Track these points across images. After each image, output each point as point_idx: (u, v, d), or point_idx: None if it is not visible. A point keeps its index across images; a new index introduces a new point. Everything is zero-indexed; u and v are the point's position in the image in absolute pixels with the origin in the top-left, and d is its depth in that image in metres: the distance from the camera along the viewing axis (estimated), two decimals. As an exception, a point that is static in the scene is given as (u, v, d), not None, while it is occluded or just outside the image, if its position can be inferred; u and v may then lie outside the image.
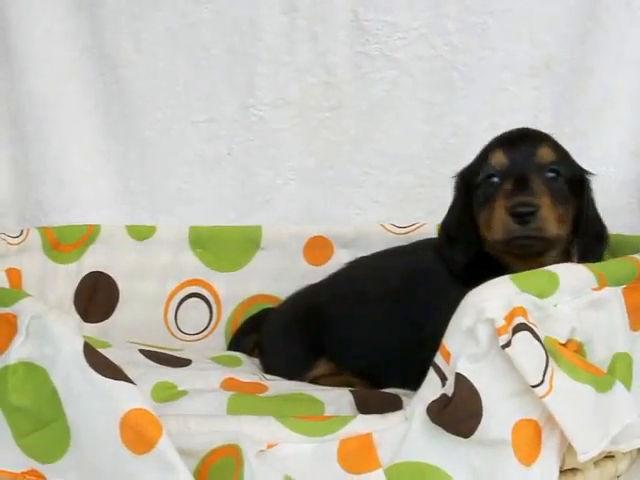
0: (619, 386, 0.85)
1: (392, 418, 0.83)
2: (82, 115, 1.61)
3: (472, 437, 0.79)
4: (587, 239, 1.10)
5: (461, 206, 1.14)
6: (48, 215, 1.59)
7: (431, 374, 0.83)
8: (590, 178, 1.12)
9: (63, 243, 1.52)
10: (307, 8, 1.56)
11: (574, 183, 1.09)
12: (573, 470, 0.90)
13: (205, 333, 1.53)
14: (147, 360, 1.20)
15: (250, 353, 1.38)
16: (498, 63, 1.54)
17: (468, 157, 1.15)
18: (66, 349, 0.82)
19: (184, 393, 1.06)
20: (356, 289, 1.28)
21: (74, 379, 0.81)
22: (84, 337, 0.84)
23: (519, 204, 1.02)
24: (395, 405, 0.99)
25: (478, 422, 0.79)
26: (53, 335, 0.83)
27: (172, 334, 1.53)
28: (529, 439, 0.80)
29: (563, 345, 0.83)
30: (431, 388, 0.82)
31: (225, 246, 1.55)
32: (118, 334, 1.47)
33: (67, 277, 1.51)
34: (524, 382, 0.77)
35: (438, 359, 0.82)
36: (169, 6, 1.58)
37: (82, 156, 1.61)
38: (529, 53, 1.53)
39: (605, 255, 1.25)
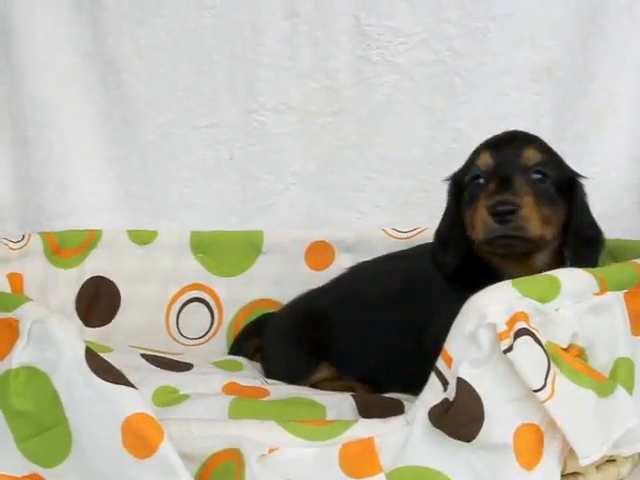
0: (621, 391, 0.85)
1: (394, 422, 0.83)
2: (84, 120, 1.61)
3: (474, 441, 0.79)
4: (578, 243, 1.09)
5: (453, 209, 1.15)
6: (50, 220, 1.59)
7: (433, 379, 0.83)
8: (583, 182, 1.12)
9: (64, 248, 1.52)
10: (308, 13, 1.57)
11: (563, 186, 1.09)
12: (575, 474, 0.90)
13: (206, 337, 1.53)
14: (148, 364, 1.20)
15: (251, 357, 1.38)
16: (499, 68, 1.54)
17: (469, 162, 1.15)
18: (68, 354, 0.82)
19: (186, 397, 1.05)
20: (357, 294, 1.28)
21: (76, 383, 0.81)
22: (85, 342, 0.84)
23: (499, 203, 1.02)
24: (397, 409, 0.98)
25: (480, 426, 0.79)
26: (55, 340, 0.83)
27: (173, 338, 1.53)
28: (531, 443, 0.80)
29: (565, 350, 0.83)
30: (433, 393, 0.82)
31: (226, 251, 1.55)
32: (119, 338, 1.48)
33: (68, 282, 1.51)
34: (526, 387, 0.77)
35: (440, 364, 0.82)
36: (171, 11, 1.59)
37: (84, 161, 1.61)
38: (530, 58, 1.53)
39: (606, 260, 1.25)
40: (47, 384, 0.83)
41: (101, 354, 0.84)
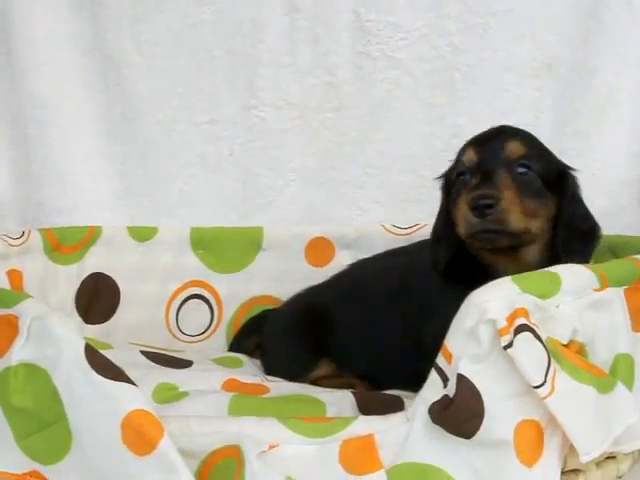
0: (621, 387, 0.84)
1: (394, 419, 0.83)
2: (84, 117, 1.61)
3: (474, 438, 0.79)
4: (570, 236, 1.08)
5: (444, 206, 1.15)
6: (49, 216, 1.59)
7: (433, 375, 0.83)
8: (576, 175, 1.11)
9: (64, 244, 1.52)
10: (308, 9, 1.57)
11: (552, 178, 1.08)
12: (575, 471, 0.90)
13: (206, 334, 1.53)
14: (148, 361, 1.20)
15: (251, 354, 1.38)
16: (500, 64, 1.54)
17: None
18: (68, 350, 0.82)
19: (185, 394, 1.05)
20: (357, 290, 1.28)
21: (75, 380, 0.81)
22: (85, 338, 0.84)
23: (477, 197, 1.01)
24: (397, 406, 0.98)
25: (480, 423, 0.78)
26: (55, 336, 0.83)
27: (173, 335, 1.53)
28: (531, 440, 0.80)
29: (565, 346, 0.83)
30: (433, 389, 0.82)
31: (226, 247, 1.55)
32: (119, 335, 1.48)
33: (68, 278, 1.51)
34: (526, 383, 0.77)
35: (440, 360, 0.82)
36: (171, 7, 1.58)
37: (84, 157, 1.61)
38: (531, 54, 1.53)
39: (606, 256, 1.25)
40: (47, 381, 0.83)
41: (101, 351, 0.84)
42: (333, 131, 1.59)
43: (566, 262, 0.95)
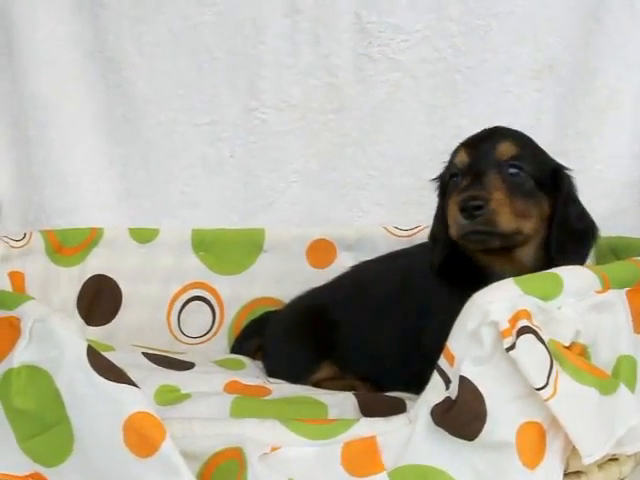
0: (623, 389, 0.84)
1: (396, 421, 0.83)
2: (85, 118, 1.61)
3: (476, 440, 0.79)
4: (564, 236, 1.07)
5: (439, 208, 1.15)
6: (51, 218, 1.59)
7: (435, 377, 0.83)
8: (570, 174, 1.11)
9: (66, 246, 1.52)
10: (309, 10, 1.57)
11: (545, 178, 1.08)
12: (577, 473, 0.90)
13: (208, 336, 1.53)
14: (150, 363, 1.20)
15: (253, 356, 1.38)
16: (501, 65, 1.54)
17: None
18: (70, 352, 0.82)
19: (187, 396, 1.05)
20: (359, 292, 1.28)
21: (77, 382, 0.81)
22: (87, 340, 0.84)
23: (466, 198, 1.01)
24: (399, 408, 0.98)
25: (482, 425, 0.78)
26: (57, 338, 0.83)
27: (175, 337, 1.53)
28: (533, 442, 0.80)
29: (567, 348, 0.83)
30: (435, 391, 0.82)
31: (228, 249, 1.55)
32: (121, 337, 1.48)
33: (70, 280, 1.51)
34: (528, 385, 0.77)
35: (442, 362, 0.82)
36: (172, 9, 1.58)
37: (85, 159, 1.61)
38: (532, 55, 1.53)
39: (608, 257, 1.25)
40: (49, 383, 0.83)
41: (103, 353, 0.84)
42: (334, 133, 1.60)
43: (560, 263, 0.95)
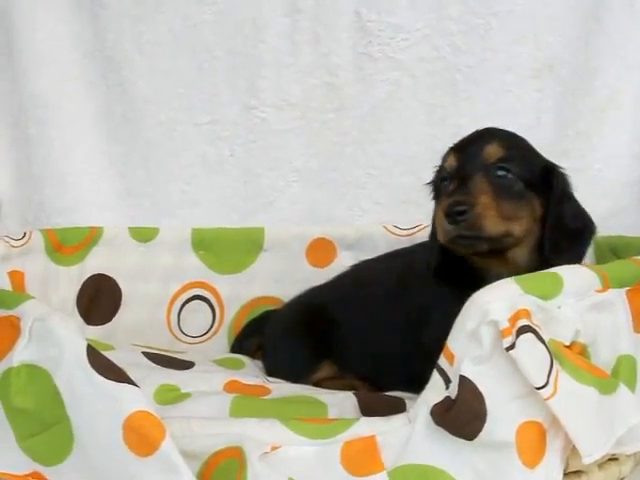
0: (623, 388, 0.84)
1: (396, 421, 0.83)
2: (85, 117, 1.61)
3: (476, 439, 0.79)
4: (559, 236, 1.07)
5: (436, 211, 1.15)
6: (50, 217, 1.59)
7: (435, 376, 0.83)
8: (564, 173, 1.11)
9: (66, 245, 1.52)
10: (310, 10, 1.57)
11: (535, 179, 1.08)
12: (577, 472, 0.90)
13: (208, 335, 1.53)
14: (150, 362, 1.20)
15: (253, 355, 1.38)
16: (501, 65, 1.54)
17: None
18: (69, 351, 0.82)
19: (187, 395, 1.05)
20: (359, 292, 1.28)
21: (77, 381, 0.81)
22: (87, 339, 0.84)
23: (451, 204, 1.01)
24: (399, 408, 0.98)
25: (482, 424, 0.78)
26: (56, 337, 0.83)
27: (175, 336, 1.53)
28: (533, 441, 0.80)
29: (567, 347, 0.83)
30: (435, 390, 0.82)
31: (228, 248, 1.55)
32: (121, 336, 1.47)
33: (70, 279, 1.51)
34: (528, 384, 0.77)
35: (442, 361, 0.82)
36: (172, 8, 1.58)
37: (85, 158, 1.61)
38: (532, 55, 1.53)
39: (608, 257, 1.25)
40: (48, 382, 0.83)
41: (102, 352, 0.84)
42: (334, 132, 1.60)
43: (555, 262, 0.95)
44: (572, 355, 0.82)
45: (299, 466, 0.80)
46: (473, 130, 1.14)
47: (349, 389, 1.13)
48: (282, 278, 1.52)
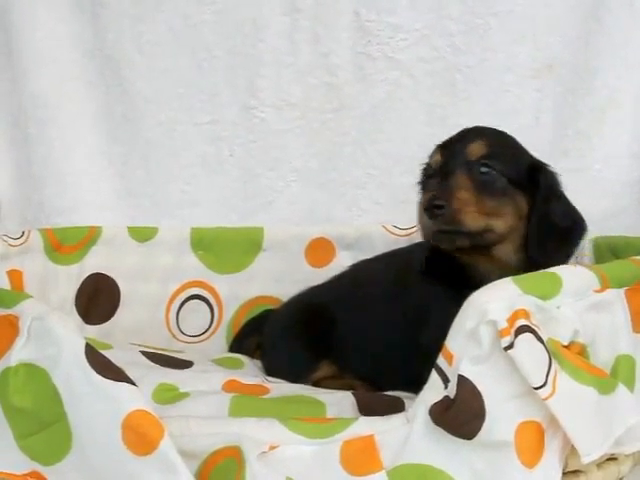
0: (622, 388, 0.84)
1: (394, 420, 0.83)
2: (84, 117, 1.61)
3: (475, 439, 0.79)
4: (543, 235, 1.07)
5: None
6: (50, 217, 1.59)
7: (433, 376, 0.82)
8: (552, 171, 1.11)
9: (65, 245, 1.52)
10: (309, 9, 1.57)
11: (521, 177, 1.08)
12: (576, 472, 0.90)
13: (207, 335, 1.53)
14: (148, 362, 1.20)
15: (252, 355, 1.38)
16: (500, 65, 1.54)
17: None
18: (68, 350, 0.82)
19: (186, 395, 1.05)
20: (358, 291, 1.28)
21: (76, 380, 0.81)
22: (86, 338, 0.84)
23: (429, 198, 1.02)
24: (397, 407, 0.98)
25: (481, 424, 0.78)
26: (55, 336, 0.83)
27: (173, 336, 1.52)
28: (532, 441, 0.80)
29: (566, 347, 0.83)
30: (433, 390, 0.82)
31: (227, 248, 1.55)
32: (119, 336, 1.47)
33: (68, 279, 1.51)
34: (527, 384, 0.77)
35: (440, 361, 0.82)
36: (171, 8, 1.58)
37: (84, 158, 1.61)
38: (531, 55, 1.53)
39: (607, 257, 1.25)
40: (47, 381, 0.83)
41: (101, 351, 0.83)
42: (334, 132, 1.60)
43: (540, 262, 0.96)
44: (571, 355, 0.82)
45: (297, 465, 0.80)
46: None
47: (348, 389, 1.13)
48: (281, 278, 1.52)
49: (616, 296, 0.89)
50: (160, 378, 1.09)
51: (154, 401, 1.02)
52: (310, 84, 1.58)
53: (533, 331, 0.78)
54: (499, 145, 1.10)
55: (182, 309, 1.53)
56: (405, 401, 1.04)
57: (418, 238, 1.39)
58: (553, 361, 0.79)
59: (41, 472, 0.84)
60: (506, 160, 1.08)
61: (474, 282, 0.94)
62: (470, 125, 1.52)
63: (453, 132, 1.53)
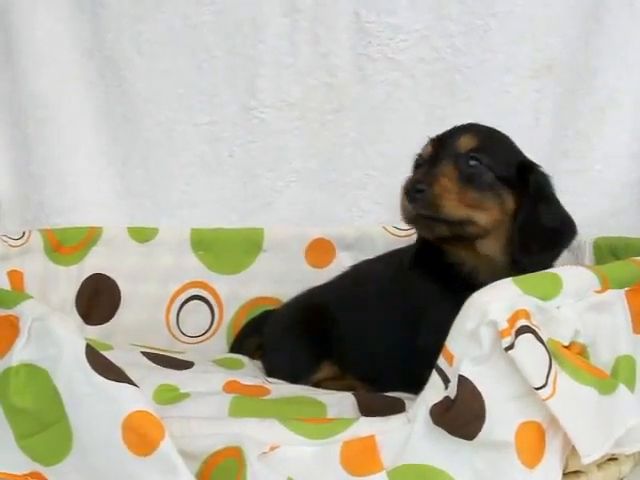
0: (622, 388, 0.84)
1: (395, 420, 0.83)
2: (84, 117, 1.61)
3: (475, 440, 0.79)
4: (528, 235, 1.06)
5: None
6: (50, 217, 1.59)
7: (434, 376, 0.82)
8: (543, 172, 1.11)
9: (65, 245, 1.52)
10: (309, 10, 1.56)
11: (510, 175, 1.09)
12: (576, 473, 0.90)
13: (207, 335, 1.53)
14: (149, 362, 1.19)
15: (252, 355, 1.38)
16: (500, 65, 1.54)
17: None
18: (68, 351, 0.82)
19: (186, 396, 1.05)
20: (358, 292, 1.28)
21: (76, 381, 0.81)
22: (86, 339, 0.84)
23: (410, 182, 1.05)
24: (398, 408, 0.98)
25: (481, 424, 0.78)
26: (55, 337, 0.83)
27: (174, 336, 1.52)
28: (532, 441, 0.80)
29: (566, 347, 0.83)
30: (434, 390, 0.82)
31: (227, 248, 1.55)
32: (120, 336, 1.47)
33: (69, 279, 1.51)
34: (527, 384, 0.77)
35: (441, 361, 0.82)
36: (171, 8, 1.58)
37: (84, 158, 1.61)
38: (531, 55, 1.53)
39: (607, 258, 1.25)
40: (47, 382, 0.83)
41: (102, 352, 0.83)
42: (333, 132, 1.59)
43: (524, 263, 0.96)
44: (571, 355, 0.82)
45: (298, 466, 0.80)
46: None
47: (348, 390, 1.13)
48: (281, 278, 1.52)
49: (616, 297, 0.89)
50: (161, 379, 1.09)
51: (155, 402, 1.02)
52: (310, 85, 1.58)
53: (533, 331, 0.78)
54: (490, 141, 1.11)
55: (182, 310, 1.53)
56: (405, 402, 1.04)
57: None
58: (553, 361, 0.79)
59: (42, 472, 0.84)
60: (495, 156, 1.09)
61: (462, 278, 0.95)
62: (470, 125, 1.54)
63: (453, 132, 1.54)
